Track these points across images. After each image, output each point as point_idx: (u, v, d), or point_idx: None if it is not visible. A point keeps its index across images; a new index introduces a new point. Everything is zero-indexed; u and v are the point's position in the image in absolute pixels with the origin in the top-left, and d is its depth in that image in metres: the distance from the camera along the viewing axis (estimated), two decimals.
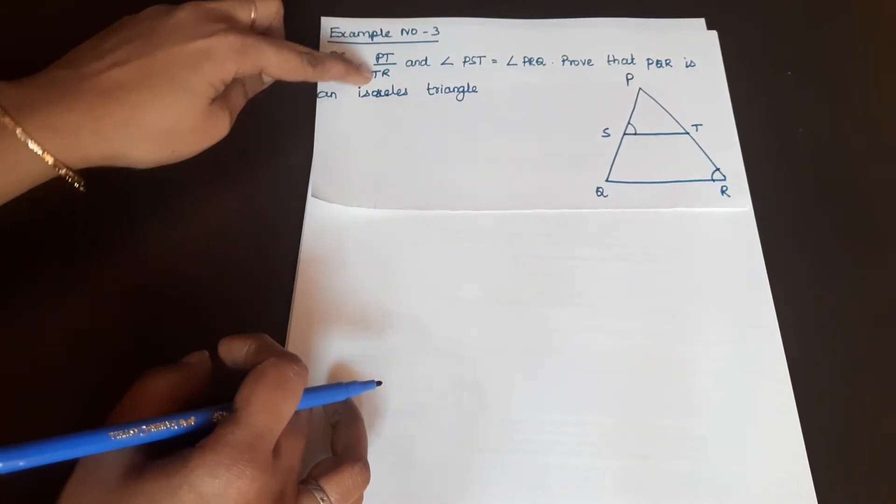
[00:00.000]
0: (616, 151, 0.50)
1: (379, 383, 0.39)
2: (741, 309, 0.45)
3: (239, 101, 0.46)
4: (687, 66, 0.53)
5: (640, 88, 0.52)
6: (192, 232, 0.45)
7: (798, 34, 0.56)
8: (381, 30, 0.54)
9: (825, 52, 0.56)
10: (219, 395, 0.33)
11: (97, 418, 0.32)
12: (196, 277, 0.43)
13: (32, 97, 0.38)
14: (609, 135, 0.51)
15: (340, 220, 0.46)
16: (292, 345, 0.42)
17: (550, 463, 0.40)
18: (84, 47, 0.42)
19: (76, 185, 0.40)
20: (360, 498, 0.36)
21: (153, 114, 0.40)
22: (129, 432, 0.30)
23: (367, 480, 0.36)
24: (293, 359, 0.34)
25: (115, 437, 0.29)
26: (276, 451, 0.32)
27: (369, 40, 0.54)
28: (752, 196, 0.49)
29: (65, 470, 0.31)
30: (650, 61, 0.54)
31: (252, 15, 0.46)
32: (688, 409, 0.42)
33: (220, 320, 0.42)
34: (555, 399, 0.42)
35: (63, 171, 0.39)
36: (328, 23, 0.55)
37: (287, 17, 0.50)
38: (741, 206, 0.48)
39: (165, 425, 0.31)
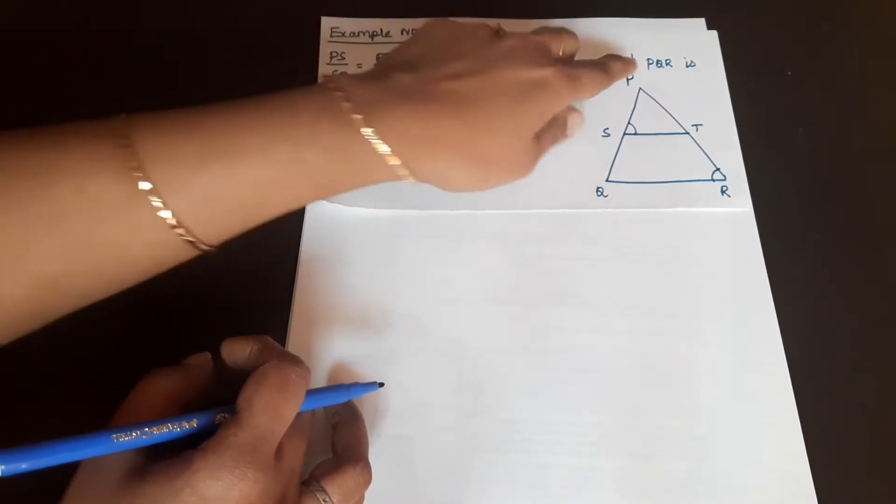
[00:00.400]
0: (616, 151, 0.50)
1: (381, 385, 0.39)
2: (741, 309, 0.45)
3: (548, 144, 0.45)
4: (687, 66, 0.53)
5: (640, 88, 0.52)
6: None
7: (798, 34, 0.56)
8: (381, 30, 0.54)
9: (825, 52, 0.56)
10: (221, 397, 0.33)
11: (99, 420, 0.31)
12: (197, 279, 0.42)
13: (382, 99, 0.37)
14: (609, 135, 0.51)
15: (340, 220, 0.46)
16: (292, 345, 0.42)
17: (550, 463, 0.40)
18: (413, 56, 0.41)
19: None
20: (362, 498, 0.36)
21: (484, 137, 0.39)
22: (131, 434, 0.30)
23: (368, 481, 0.36)
24: (295, 360, 0.34)
25: (117, 439, 0.29)
26: (279, 452, 0.32)
27: (369, 40, 0.54)
28: (752, 196, 0.49)
29: (67, 472, 0.31)
30: (650, 61, 0.54)
31: (560, 51, 0.46)
32: (688, 409, 0.42)
33: (221, 322, 0.42)
34: (555, 399, 0.42)
35: (405, 175, 0.38)
36: (328, 22, 0.54)
37: (287, 17, 0.49)
38: (741, 206, 0.48)
39: (168, 427, 0.31)
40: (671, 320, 0.45)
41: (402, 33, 0.54)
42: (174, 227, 0.33)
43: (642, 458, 0.41)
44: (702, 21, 0.56)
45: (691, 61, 0.54)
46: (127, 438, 0.30)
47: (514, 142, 0.41)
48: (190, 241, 0.34)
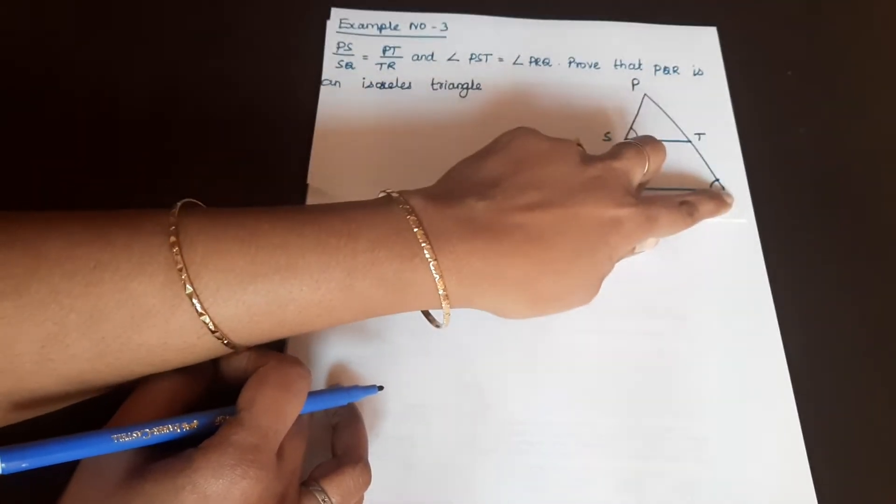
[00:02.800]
0: None
1: (380, 388, 0.39)
2: (741, 308, 0.45)
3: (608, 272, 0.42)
4: (695, 75, 0.54)
5: (644, 94, 0.53)
6: None
7: (798, 34, 0.56)
8: (390, 23, 0.54)
9: (825, 52, 0.56)
10: (221, 399, 0.33)
11: (100, 420, 0.32)
12: None
13: (451, 229, 0.35)
14: (610, 139, 0.51)
15: None
16: (292, 345, 0.42)
17: (550, 464, 0.40)
18: (487, 176, 0.39)
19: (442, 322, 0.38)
20: (361, 499, 0.36)
21: (550, 277, 0.37)
22: (131, 434, 0.30)
23: (368, 481, 0.36)
24: (296, 362, 0.34)
25: (117, 439, 0.29)
26: (280, 452, 0.32)
27: (377, 33, 0.54)
28: (752, 195, 0.49)
29: (67, 471, 0.31)
30: (657, 67, 0.54)
31: (645, 169, 0.44)
32: (688, 410, 0.42)
33: None
34: (555, 400, 0.42)
35: (445, 314, 0.37)
36: (338, 14, 0.55)
37: (298, 7, 0.49)
38: (738, 218, 0.48)
39: (168, 428, 0.31)
40: (671, 321, 0.45)
41: (410, 27, 0.54)
42: (213, 331, 0.32)
43: (642, 458, 0.41)
44: (713, 30, 0.56)
45: (699, 70, 0.54)
46: (127, 439, 0.30)
47: (579, 284, 0.39)
48: (224, 344, 0.33)
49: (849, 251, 0.48)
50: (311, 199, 0.47)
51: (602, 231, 0.39)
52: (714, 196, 0.47)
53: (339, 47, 0.53)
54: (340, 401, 0.38)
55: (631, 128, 0.51)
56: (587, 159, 0.41)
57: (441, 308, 0.36)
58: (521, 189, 0.38)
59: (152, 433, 0.30)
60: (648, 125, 0.51)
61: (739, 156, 0.50)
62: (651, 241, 0.46)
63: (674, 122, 0.52)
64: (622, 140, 0.50)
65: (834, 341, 0.45)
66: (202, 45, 0.53)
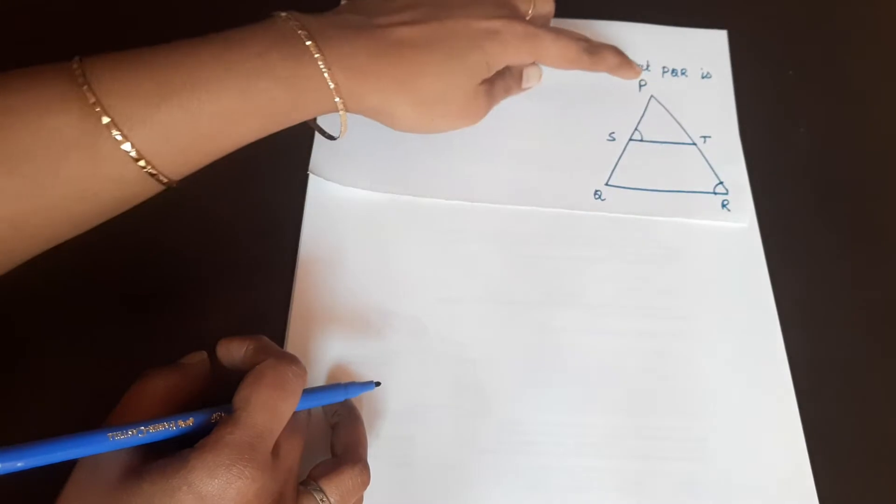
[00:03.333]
0: (619, 156, 0.50)
1: (377, 384, 0.39)
2: (741, 308, 0.45)
3: (500, 94, 0.46)
4: (703, 77, 0.53)
5: (651, 96, 0.52)
6: (192, 230, 0.45)
7: (798, 34, 0.56)
8: None
9: (825, 52, 0.56)
10: (217, 397, 0.33)
11: (96, 419, 0.32)
12: (196, 278, 0.43)
13: (332, 31, 0.39)
14: (614, 139, 0.50)
15: (340, 221, 0.46)
16: (291, 346, 0.42)
17: (550, 463, 0.40)
18: (371, 2, 0.43)
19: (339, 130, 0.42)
20: (360, 499, 0.36)
21: (428, 78, 0.41)
22: (127, 433, 0.30)
23: (366, 481, 0.36)
24: (292, 359, 0.34)
25: (113, 437, 0.29)
26: (276, 451, 0.32)
27: None
28: (753, 196, 0.49)
29: (64, 471, 0.31)
30: (665, 69, 0.53)
31: (530, 11, 0.46)
32: (688, 410, 0.42)
33: (220, 322, 0.42)
34: (554, 400, 0.42)
35: (342, 113, 0.40)
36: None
37: (304, 5, 0.49)
38: (740, 222, 0.48)
39: (164, 426, 0.31)
40: (671, 321, 0.45)
41: None
42: (136, 159, 0.34)
43: (642, 458, 0.41)
44: (723, 33, 0.55)
45: (707, 73, 0.53)
46: (123, 437, 0.30)
47: (458, 86, 0.42)
48: (152, 174, 0.35)
49: (849, 252, 0.48)
50: (311, 188, 0.47)
51: (474, 38, 0.42)
52: (621, 53, 0.48)
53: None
54: (337, 397, 0.38)
55: (636, 128, 0.51)
56: None
57: (337, 111, 0.39)
58: (399, 9, 0.42)
59: (148, 431, 0.30)
60: (654, 126, 0.51)
61: (742, 159, 0.50)
62: (535, 72, 0.47)
63: (679, 124, 0.51)
64: (627, 140, 0.50)
65: (835, 341, 0.45)
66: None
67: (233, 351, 0.35)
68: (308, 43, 0.37)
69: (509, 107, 0.50)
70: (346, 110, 0.40)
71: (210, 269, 0.44)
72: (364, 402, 0.41)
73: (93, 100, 0.33)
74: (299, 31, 0.38)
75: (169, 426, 0.31)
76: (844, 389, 0.43)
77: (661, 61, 0.54)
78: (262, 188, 0.47)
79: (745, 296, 0.46)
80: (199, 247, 0.44)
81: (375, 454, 0.39)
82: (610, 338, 0.44)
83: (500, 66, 0.43)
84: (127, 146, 0.34)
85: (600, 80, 0.51)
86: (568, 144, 0.49)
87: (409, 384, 0.42)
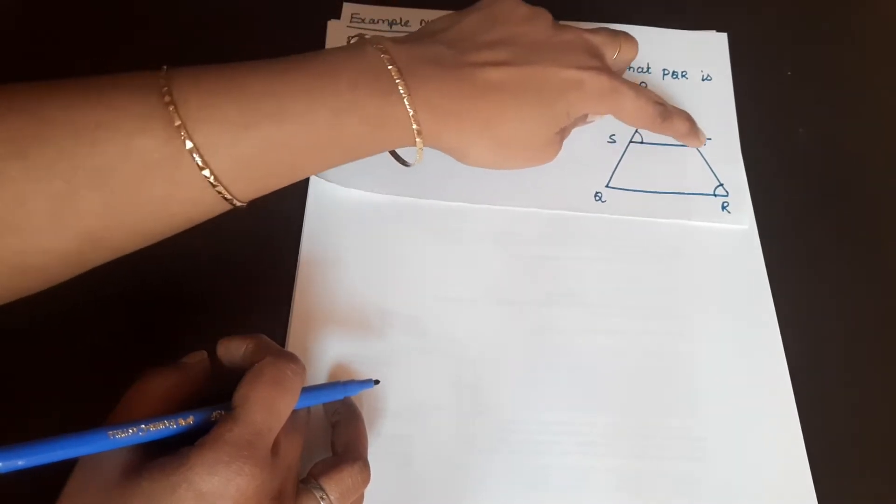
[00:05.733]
0: (620, 158, 0.50)
1: (377, 382, 0.39)
2: (741, 308, 0.45)
3: (567, 134, 0.46)
4: (703, 80, 0.53)
5: None
6: (193, 230, 0.45)
7: (798, 34, 0.56)
8: (401, 19, 0.55)
9: (825, 52, 0.56)
10: (217, 396, 0.33)
11: (97, 418, 0.32)
12: (197, 278, 0.43)
13: (421, 68, 0.39)
14: (615, 141, 0.50)
15: (341, 221, 0.47)
16: (292, 345, 0.42)
17: (550, 463, 0.40)
18: (461, 30, 0.42)
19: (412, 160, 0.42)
20: (361, 497, 0.36)
21: (511, 123, 0.41)
22: (127, 431, 0.30)
23: (366, 479, 0.36)
24: (291, 357, 0.34)
25: (113, 436, 0.29)
26: (275, 449, 0.32)
27: (388, 28, 0.54)
28: (752, 198, 0.49)
29: (64, 469, 0.31)
30: (666, 71, 0.53)
31: (615, 55, 0.46)
32: (688, 410, 0.42)
33: (220, 322, 0.42)
34: (554, 399, 0.42)
35: (419, 150, 0.40)
36: (349, 9, 0.55)
37: (309, 1, 0.50)
38: (740, 224, 0.48)
39: (164, 424, 0.31)
40: (671, 321, 0.45)
41: (420, 24, 0.54)
42: (213, 185, 0.35)
43: (642, 458, 0.41)
44: (724, 36, 0.55)
45: (708, 75, 0.54)
46: (123, 435, 0.30)
47: (539, 133, 0.42)
48: (226, 199, 0.36)
49: (849, 253, 0.48)
50: (312, 188, 0.47)
51: (561, 88, 0.41)
52: (691, 121, 0.47)
53: (349, 42, 0.53)
54: (337, 395, 0.38)
55: (636, 131, 0.51)
56: (560, 25, 0.44)
57: (415, 145, 0.39)
58: (490, 45, 0.41)
59: (148, 430, 0.30)
60: None
61: (741, 161, 0.50)
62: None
63: None
64: (628, 142, 0.51)
65: (834, 342, 0.45)
66: (204, 39, 0.53)
67: (232, 350, 0.35)
68: (398, 81, 0.37)
69: None
70: (424, 146, 0.40)
71: (211, 269, 0.44)
72: (364, 401, 0.41)
73: (178, 122, 0.33)
74: (389, 67, 0.38)
75: (169, 424, 0.31)
76: (844, 389, 0.43)
77: (662, 63, 0.54)
78: None
79: (745, 296, 0.46)
80: (200, 247, 0.44)
81: (375, 453, 0.39)
82: (609, 338, 0.44)
83: (577, 115, 0.43)
84: (206, 172, 0.34)
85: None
86: (568, 146, 0.49)
87: (409, 383, 0.42)
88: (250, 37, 0.53)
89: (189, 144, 0.33)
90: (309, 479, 0.34)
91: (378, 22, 0.54)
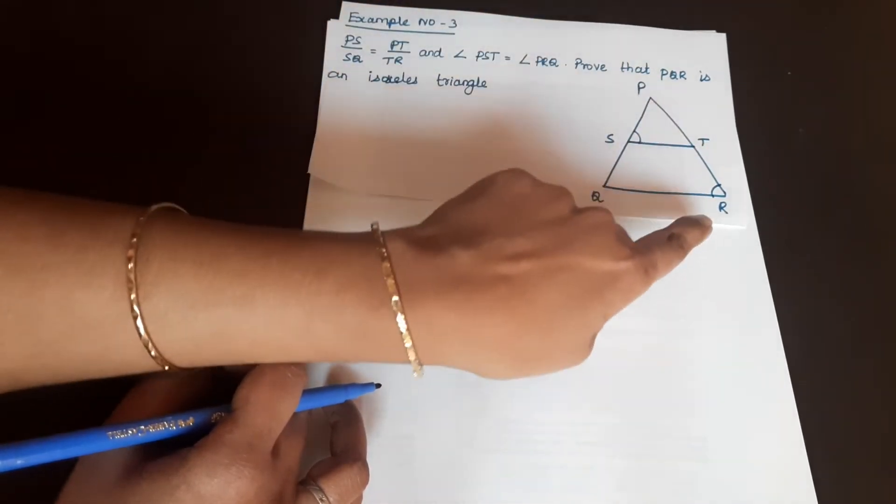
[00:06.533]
0: (618, 158, 0.50)
1: (378, 386, 0.39)
2: (741, 308, 0.45)
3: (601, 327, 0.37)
4: (701, 80, 0.53)
5: (650, 98, 0.52)
6: None
7: (798, 34, 0.56)
8: (400, 18, 0.54)
9: (825, 52, 0.56)
10: (217, 397, 0.33)
11: (97, 418, 0.32)
12: None
13: (426, 281, 0.32)
14: (612, 141, 0.50)
15: (341, 222, 0.46)
16: None
17: (550, 463, 0.40)
18: (481, 212, 0.35)
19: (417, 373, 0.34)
20: (360, 498, 0.36)
21: (535, 336, 0.33)
22: (127, 432, 0.30)
23: (366, 481, 0.36)
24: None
25: (113, 436, 0.29)
26: (275, 451, 0.32)
27: (387, 27, 0.54)
28: (752, 198, 0.49)
29: (64, 469, 0.31)
30: (664, 72, 0.53)
31: None
32: (687, 409, 0.42)
33: None
34: (554, 399, 0.42)
35: (416, 371, 0.33)
36: (348, 7, 0.55)
37: (308, 1, 0.50)
38: (738, 225, 0.48)
39: (164, 425, 0.31)
40: (671, 320, 0.45)
41: (419, 23, 0.54)
42: (154, 357, 0.31)
43: (642, 457, 0.41)
44: (722, 36, 0.55)
45: (706, 75, 0.53)
46: (123, 436, 0.30)
47: (569, 342, 0.35)
48: (162, 368, 0.32)
49: (849, 253, 0.48)
50: (312, 190, 0.47)
51: (597, 285, 0.34)
52: (694, 222, 0.43)
53: (347, 40, 0.53)
54: (337, 398, 0.38)
55: (634, 131, 0.51)
56: (588, 209, 0.37)
57: (409, 362, 0.33)
58: (509, 236, 0.33)
59: (148, 431, 0.30)
60: (652, 128, 0.51)
61: (741, 161, 0.50)
62: None
63: (678, 126, 0.51)
64: (625, 142, 0.50)
65: (834, 342, 0.45)
66: (204, 39, 0.53)
67: None
68: (394, 299, 0.31)
69: (508, 109, 0.50)
70: (422, 364, 0.33)
71: None
72: (364, 402, 0.41)
73: (130, 284, 0.29)
74: (386, 278, 0.31)
75: (169, 425, 0.31)
76: (843, 389, 0.43)
77: (661, 64, 0.54)
78: (262, 188, 0.47)
79: (744, 296, 0.46)
80: None
81: (375, 453, 0.39)
82: (609, 338, 0.43)
83: (613, 314, 0.36)
84: (148, 344, 0.30)
85: (599, 83, 0.52)
86: (566, 146, 0.49)
87: (409, 384, 0.42)
88: (250, 36, 0.53)
89: (135, 310, 0.30)
90: (308, 481, 0.34)
91: (377, 21, 0.54)
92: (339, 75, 0.51)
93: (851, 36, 0.57)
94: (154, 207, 0.32)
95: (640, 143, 0.50)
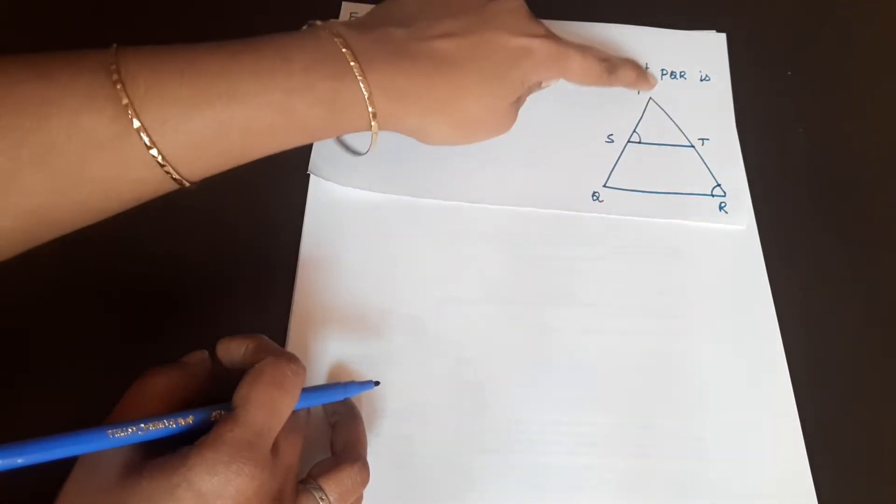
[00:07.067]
0: (618, 158, 0.50)
1: (377, 383, 0.39)
2: (741, 308, 0.45)
3: (522, 103, 0.47)
4: (702, 80, 0.53)
5: (650, 98, 0.52)
6: (193, 230, 0.45)
7: (798, 34, 0.56)
8: None
9: (825, 52, 0.56)
10: (217, 395, 0.33)
11: (97, 417, 0.32)
12: (197, 278, 0.43)
13: (374, 50, 0.39)
14: (612, 141, 0.50)
15: (340, 222, 0.47)
16: (292, 346, 0.42)
17: (550, 463, 0.40)
18: (408, 9, 0.42)
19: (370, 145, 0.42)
20: (360, 497, 0.36)
21: (469, 99, 0.41)
22: (127, 430, 0.30)
23: (366, 480, 0.36)
24: (290, 358, 0.34)
25: (113, 435, 0.29)
26: (275, 449, 0.32)
27: None
28: (752, 198, 0.49)
29: (64, 468, 0.31)
30: (664, 71, 0.54)
31: None
32: (688, 409, 0.42)
33: (220, 322, 0.42)
34: (554, 399, 0.42)
35: (374, 133, 0.40)
36: (348, 7, 0.55)
37: (309, 1, 0.50)
38: (738, 224, 0.48)
39: (164, 424, 0.31)
40: (671, 320, 0.45)
41: None
42: (162, 165, 0.34)
43: (642, 458, 0.41)
44: (722, 36, 0.56)
45: (706, 75, 0.54)
46: (123, 434, 0.30)
47: (494, 105, 0.43)
48: (174, 179, 0.36)
49: (848, 252, 0.48)
50: (312, 190, 0.47)
51: (513, 59, 0.42)
52: (637, 67, 0.50)
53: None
54: (337, 396, 0.38)
55: (634, 131, 0.51)
56: None
57: (370, 129, 0.39)
58: (437, 19, 0.41)
59: (148, 429, 0.30)
60: (652, 128, 0.51)
61: (741, 162, 0.50)
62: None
63: (678, 126, 0.51)
64: (625, 142, 0.51)
65: (834, 342, 0.45)
66: (203, 38, 0.53)
67: (232, 350, 0.35)
68: (352, 64, 0.37)
69: None
70: (381, 129, 0.40)
71: (211, 269, 0.44)
72: (364, 401, 0.41)
73: (125, 101, 0.33)
74: (343, 51, 0.38)
75: (169, 424, 0.31)
76: (843, 389, 0.43)
77: (661, 63, 0.54)
78: (262, 188, 0.47)
79: (744, 296, 0.46)
80: (200, 246, 0.44)
81: (375, 453, 0.39)
82: (609, 337, 0.44)
83: (531, 83, 0.44)
84: (154, 152, 0.34)
85: None
86: (566, 146, 0.49)
87: (409, 384, 0.42)
88: (249, 36, 0.53)
89: (136, 123, 0.33)
90: (308, 480, 0.34)
91: None
92: None
93: (851, 36, 0.57)
94: (115, 45, 0.35)
95: (640, 143, 0.51)
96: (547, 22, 0.53)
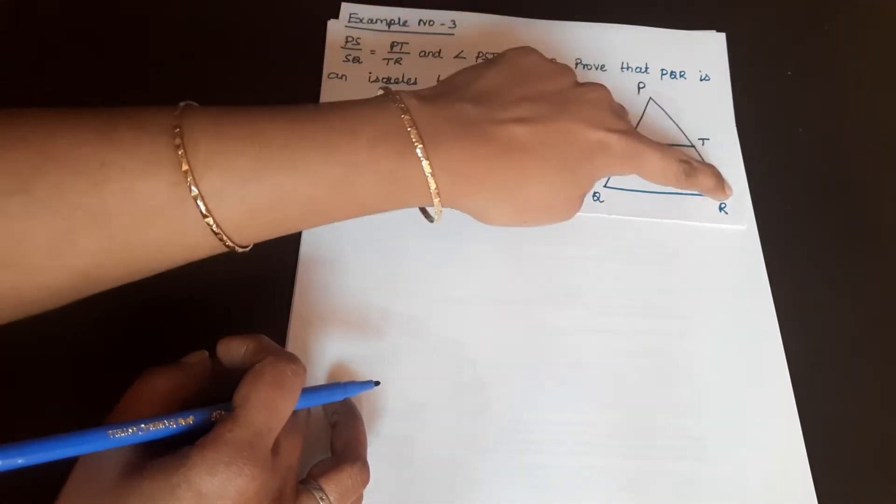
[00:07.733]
0: None
1: (377, 383, 0.39)
2: (741, 308, 0.45)
3: (589, 191, 0.44)
4: (701, 80, 0.53)
5: (650, 97, 0.52)
6: None
7: (798, 34, 0.57)
8: (399, 19, 0.55)
9: (825, 52, 0.56)
10: (217, 396, 0.33)
11: (97, 417, 0.32)
12: (197, 279, 0.42)
13: (443, 129, 0.37)
14: None
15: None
16: (292, 346, 0.42)
17: (550, 463, 0.40)
18: (484, 85, 0.41)
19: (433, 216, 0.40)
20: (360, 497, 0.36)
21: (534, 188, 0.40)
22: (127, 431, 0.30)
23: (366, 480, 0.36)
24: (291, 358, 0.34)
25: (113, 435, 0.29)
26: (275, 449, 0.32)
27: (386, 28, 0.54)
28: (752, 198, 0.49)
29: (64, 468, 0.31)
30: (664, 71, 0.53)
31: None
32: (687, 409, 0.42)
33: (221, 322, 0.42)
34: (554, 399, 0.42)
35: (437, 215, 0.39)
36: (347, 8, 0.55)
37: (308, 1, 0.50)
38: (738, 225, 0.48)
39: (164, 424, 0.31)
40: (671, 320, 0.45)
41: (419, 23, 0.54)
42: (216, 233, 0.34)
43: (642, 458, 0.41)
44: (722, 36, 0.56)
45: (706, 75, 0.54)
46: (123, 434, 0.30)
47: (560, 195, 0.41)
48: (227, 245, 0.35)
49: (848, 252, 0.48)
50: None
51: (588, 149, 0.40)
52: (717, 175, 0.47)
53: (347, 42, 0.53)
54: (337, 396, 0.38)
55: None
56: (586, 83, 0.43)
57: (432, 205, 0.38)
58: (515, 101, 0.40)
59: (148, 429, 0.30)
60: (652, 128, 0.51)
61: (741, 163, 0.50)
62: None
63: (678, 126, 0.51)
64: None
65: (834, 342, 0.45)
66: (203, 38, 0.53)
67: (232, 350, 0.35)
68: (417, 144, 0.36)
69: None
70: (443, 207, 0.39)
71: (210, 269, 0.44)
72: (364, 401, 0.41)
73: (185, 167, 0.32)
74: (409, 129, 0.36)
75: (169, 424, 0.31)
76: (843, 390, 0.43)
77: (660, 63, 0.54)
78: None
79: (745, 296, 0.46)
80: None
81: (375, 453, 0.39)
82: (609, 337, 0.44)
83: (602, 177, 0.43)
84: (209, 220, 0.33)
85: (599, 82, 0.52)
86: None
87: (409, 383, 0.42)
88: (250, 36, 0.53)
89: (194, 191, 0.33)
90: (308, 480, 0.34)
91: (376, 22, 0.54)
92: (339, 76, 0.52)
93: (851, 36, 0.57)
94: (182, 104, 0.35)
95: None
96: (547, 22, 0.54)
